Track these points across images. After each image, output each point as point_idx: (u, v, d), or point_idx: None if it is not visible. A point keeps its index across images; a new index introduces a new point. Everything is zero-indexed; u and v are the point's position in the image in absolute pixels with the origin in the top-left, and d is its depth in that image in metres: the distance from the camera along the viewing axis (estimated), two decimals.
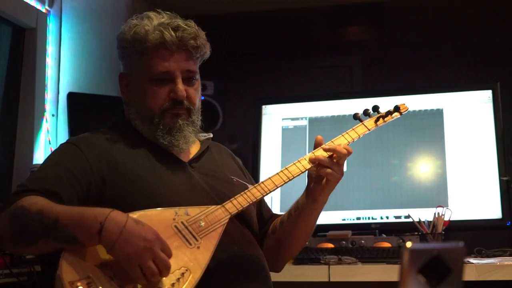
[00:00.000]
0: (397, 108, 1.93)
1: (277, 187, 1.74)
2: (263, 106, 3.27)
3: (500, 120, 2.95)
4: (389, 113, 1.92)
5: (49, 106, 2.89)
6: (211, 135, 1.97)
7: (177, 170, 1.78)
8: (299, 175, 1.76)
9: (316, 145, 1.80)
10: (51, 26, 2.94)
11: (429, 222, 2.66)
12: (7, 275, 2.14)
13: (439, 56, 4.25)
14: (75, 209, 1.56)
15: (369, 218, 3.00)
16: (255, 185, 1.73)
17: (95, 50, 3.20)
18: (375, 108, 1.91)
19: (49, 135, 2.85)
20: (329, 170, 1.75)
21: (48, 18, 2.93)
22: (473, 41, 4.13)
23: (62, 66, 2.98)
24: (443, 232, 2.63)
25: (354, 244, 2.72)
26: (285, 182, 1.74)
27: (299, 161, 1.77)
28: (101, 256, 1.51)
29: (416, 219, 2.69)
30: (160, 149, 1.79)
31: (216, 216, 1.64)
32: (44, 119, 2.85)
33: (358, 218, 3.01)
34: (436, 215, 2.65)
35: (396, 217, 2.97)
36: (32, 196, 1.59)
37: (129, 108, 1.85)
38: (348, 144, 1.83)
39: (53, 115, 2.91)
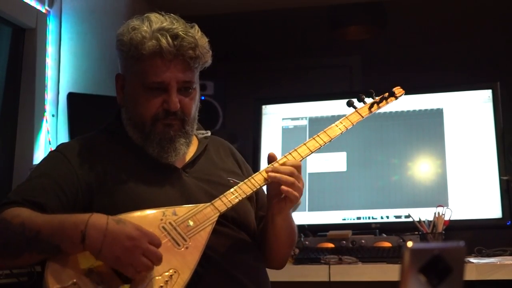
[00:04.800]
0: (392, 93, 1.89)
1: (268, 182, 1.70)
2: (263, 106, 3.27)
3: (500, 120, 2.95)
4: (383, 98, 1.89)
5: (49, 107, 2.89)
6: (209, 133, 1.93)
7: (169, 177, 1.74)
8: None
9: (269, 162, 1.74)
10: (51, 26, 2.94)
11: (429, 221, 2.66)
12: (7, 275, 2.14)
13: (439, 56, 4.24)
14: (56, 218, 1.54)
15: (369, 218, 3.00)
16: (245, 181, 1.70)
17: (95, 50, 3.20)
18: (370, 94, 1.88)
19: (49, 136, 2.85)
20: (285, 188, 1.67)
21: (48, 18, 2.93)
22: (473, 40, 4.13)
23: (62, 67, 2.98)
24: (444, 232, 2.63)
25: (355, 243, 2.72)
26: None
27: (290, 153, 1.75)
28: (87, 261, 1.50)
29: (417, 219, 2.69)
30: (150, 156, 1.75)
31: (205, 215, 1.62)
32: (44, 120, 2.85)
33: (359, 218, 3.01)
34: (437, 215, 2.65)
35: (397, 217, 2.97)
36: (15, 208, 1.57)
37: (123, 112, 1.81)
38: (341, 133, 1.81)
39: (53, 116, 2.91)
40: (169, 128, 1.73)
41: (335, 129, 1.82)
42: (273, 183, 1.70)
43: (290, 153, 1.76)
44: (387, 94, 1.90)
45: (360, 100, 1.87)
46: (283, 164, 1.71)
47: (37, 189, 1.64)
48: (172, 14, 1.76)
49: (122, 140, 1.78)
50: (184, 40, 1.69)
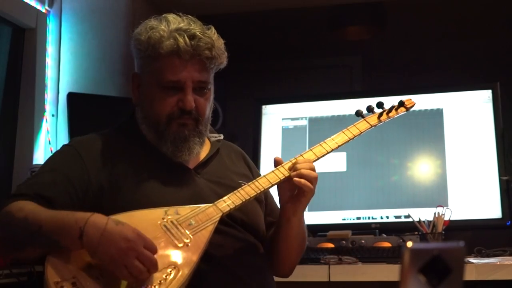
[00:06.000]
0: (401, 103, 1.89)
1: (272, 185, 1.71)
2: (263, 106, 3.27)
3: (500, 120, 2.95)
4: (393, 108, 1.88)
5: (49, 106, 2.89)
6: (222, 137, 1.93)
7: (181, 178, 1.75)
8: None
9: (276, 165, 1.75)
10: (51, 26, 2.94)
11: (429, 221, 2.66)
12: (7, 275, 2.14)
13: (439, 56, 4.25)
14: (59, 214, 1.55)
15: (369, 218, 3.00)
16: (249, 183, 1.70)
17: (95, 50, 3.20)
18: (380, 105, 1.87)
19: (49, 135, 2.85)
20: (310, 186, 1.69)
21: (48, 18, 2.93)
22: (473, 41, 4.13)
23: (62, 66, 2.98)
24: (443, 232, 2.63)
25: (354, 244, 2.72)
26: (281, 180, 1.71)
27: (295, 158, 1.75)
28: (87, 256, 1.51)
29: (416, 219, 2.69)
30: (164, 155, 1.76)
31: (207, 215, 1.62)
32: (44, 119, 2.85)
33: (358, 218, 3.01)
34: (436, 215, 2.65)
35: (396, 217, 2.97)
36: (21, 202, 1.59)
37: (138, 111, 1.82)
38: (349, 141, 1.82)
39: (53, 115, 2.91)
40: (183, 128, 1.74)
41: (342, 136, 1.83)
42: (285, 185, 1.71)
43: (295, 158, 1.76)
44: (397, 104, 1.89)
45: (369, 110, 1.87)
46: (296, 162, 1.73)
47: (48, 183, 1.65)
48: (189, 16, 1.77)
49: (136, 139, 1.79)
50: (201, 41, 1.70)
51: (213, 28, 1.76)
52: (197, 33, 1.70)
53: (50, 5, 2.94)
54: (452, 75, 4.08)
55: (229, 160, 1.91)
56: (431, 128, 3.05)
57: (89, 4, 3.24)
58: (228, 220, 1.70)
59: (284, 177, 1.71)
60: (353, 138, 1.83)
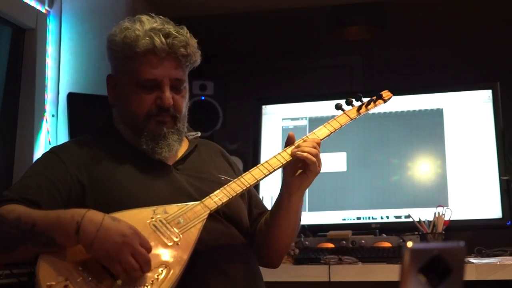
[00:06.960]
0: (379, 96, 1.93)
1: (258, 181, 1.73)
2: (263, 106, 3.27)
3: (500, 120, 2.96)
4: (371, 101, 1.91)
5: (49, 107, 2.89)
6: (199, 134, 1.96)
7: (160, 174, 1.77)
8: (279, 167, 1.75)
9: (288, 141, 1.79)
10: (51, 26, 2.94)
11: (429, 221, 2.67)
12: (7, 275, 2.14)
13: (439, 56, 4.24)
14: (52, 212, 1.57)
15: (369, 218, 3.00)
16: (235, 180, 1.72)
17: (95, 51, 3.20)
18: (358, 98, 1.90)
19: (49, 136, 2.85)
20: (313, 159, 1.72)
21: (48, 18, 2.93)
22: (473, 41, 4.13)
23: (62, 67, 2.98)
24: (444, 232, 2.63)
25: (355, 244, 2.72)
26: (266, 176, 1.73)
27: (279, 153, 1.77)
28: (78, 258, 1.52)
29: (417, 219, 2.69)
30: (142, 153, 1.79)
31: (195, 213, 1.64)
32: (44, 120, 2.85)
33: (359, 218, 3.01)
34: (437, 215, 2.65)
35: (397, 217, 2.97)
36: (10, 205, 1.60)
37: (115, 111, 1.85)
38: (330, 134, 1.83)
39: (53, 116, 2.91)
40: (161, 125, 1.77)
41: (324, 130, 1.84)
42: (289, 166, 1.74)
43: (276, 155, 1.77)
44: (375, 97, 1.92)
45: (349, 103, 1.89)
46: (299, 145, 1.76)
47: (32, 187, 1.67)
48: (161, 17, 1.81)
49: (113, 140, 1.82)
50: (176, 39, 1.74)
51: (185, 28, 1.80)
52: (172, 31, 1.75)
53: (50, 5, 2.94)
54: (452, 75, 4.07)
55: (208, 156, 1.94)
56: (431, 128, 3.05)
57: (89, 4, 3.24)
58: (211, 213, 1.70)
59: (269, 172, 1.73)
60: (334, 131, 1.85)
